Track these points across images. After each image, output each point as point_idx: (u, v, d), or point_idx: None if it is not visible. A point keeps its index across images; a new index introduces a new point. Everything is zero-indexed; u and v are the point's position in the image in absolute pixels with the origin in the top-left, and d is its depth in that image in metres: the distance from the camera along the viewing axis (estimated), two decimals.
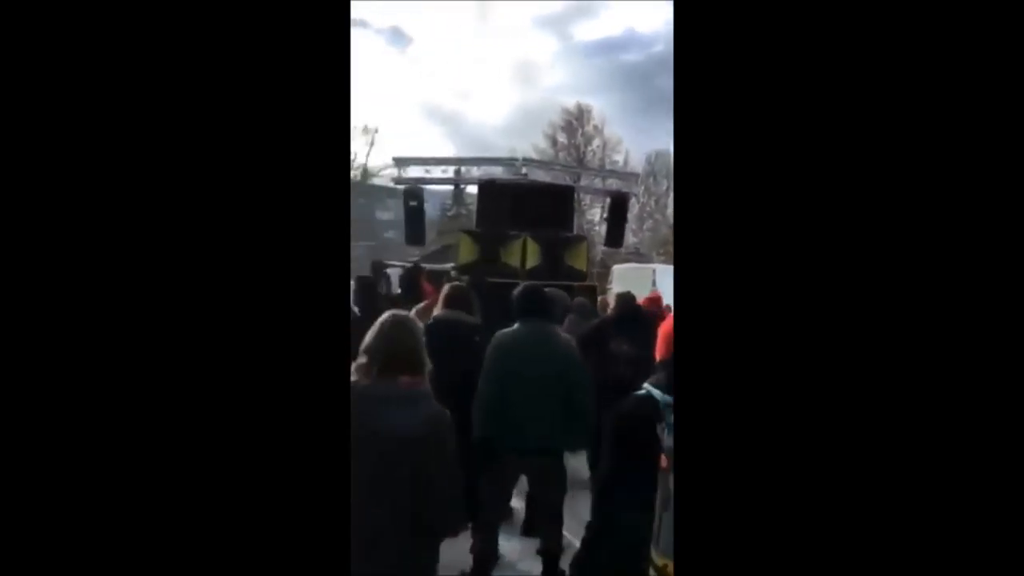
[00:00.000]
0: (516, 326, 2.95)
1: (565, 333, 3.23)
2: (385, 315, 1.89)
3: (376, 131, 25.12)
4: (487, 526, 2.89)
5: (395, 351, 1.78)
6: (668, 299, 5.15)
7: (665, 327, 1.75)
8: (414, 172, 7.03)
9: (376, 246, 18.76)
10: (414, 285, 5.09)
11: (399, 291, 5.13)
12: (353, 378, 1.76)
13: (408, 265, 6.36)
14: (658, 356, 1.72)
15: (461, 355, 2.91)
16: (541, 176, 7.38)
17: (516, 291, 3.09)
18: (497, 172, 7.13)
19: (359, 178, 25.04)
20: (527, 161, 7.84)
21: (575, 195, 7.40)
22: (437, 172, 7.16)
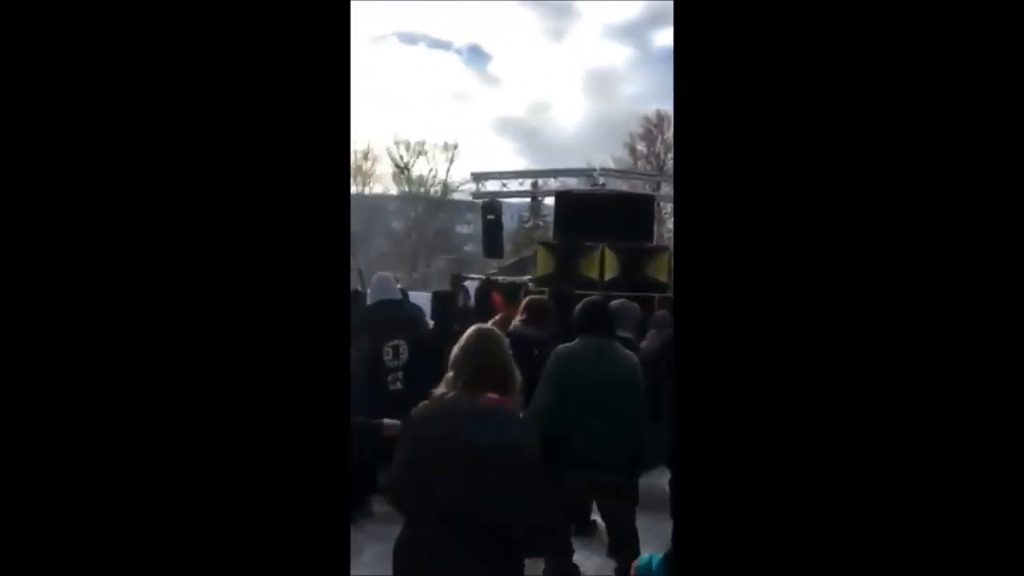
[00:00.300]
0: (575, 341, 2.87)
1: (626, 349, 3.10)
2: (471, 329, 1.85)
3: (456, 147, 25.70)
4: (555, 543, 2.81)
5: (481, 365, 1.74)
6: None
7: None
8: (492, 186, 7.10)
9: (456, 259, 19.14)
10: (485, 298, 5.11)
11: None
12: (440, 391, 1.74)
13: (483, 279, 6.41)
14: None
15: (529, 371, 2.87)
16: (619, 185, 7.25)
17: (578, 305, 3.02)
18: (574, 183, 7.08)
19: (439, 194, 25.66)
20: (604, 171, 7.75)
21: (655, 204, 7.20)
22: (514, 185, 7.20)
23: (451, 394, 1.72)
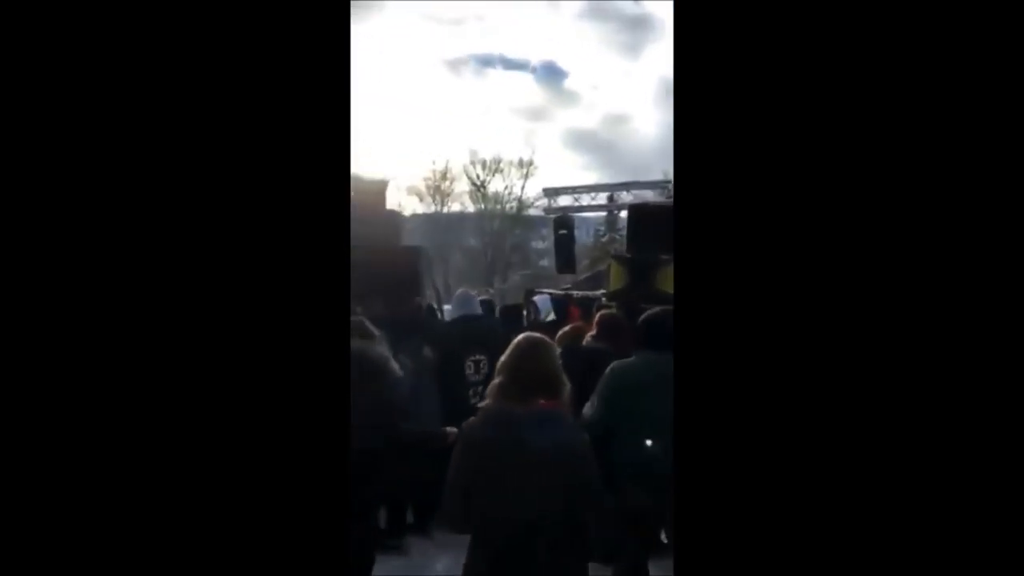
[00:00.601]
0: (632, 357, 2.82)
1: None
2: (520, 337, 1.90)
3: (531, 163, 25.94)
4: (622, 548, 2.77)
5: (529, 372, 1.77)
6: None
7: None
8: (564, 201, 7.14)
9: (532, 274, 19.24)
10: (563, 312, 5.14)
11: (551, 318, 5.22)
12: (489, 399, 1.80)
13: (558, 293, 6.45)
14: None
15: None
16: None
17: (639, 319, 2.98)
18: (648, 195, 7.01)
19: (515, 210, 25.92)
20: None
21: None
22: (587, 199, 7.22)
23: (501, 403, 1.76)
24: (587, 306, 5.47)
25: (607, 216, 7.57)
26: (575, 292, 6.83)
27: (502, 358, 1.85)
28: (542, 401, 1.75)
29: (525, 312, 5.56)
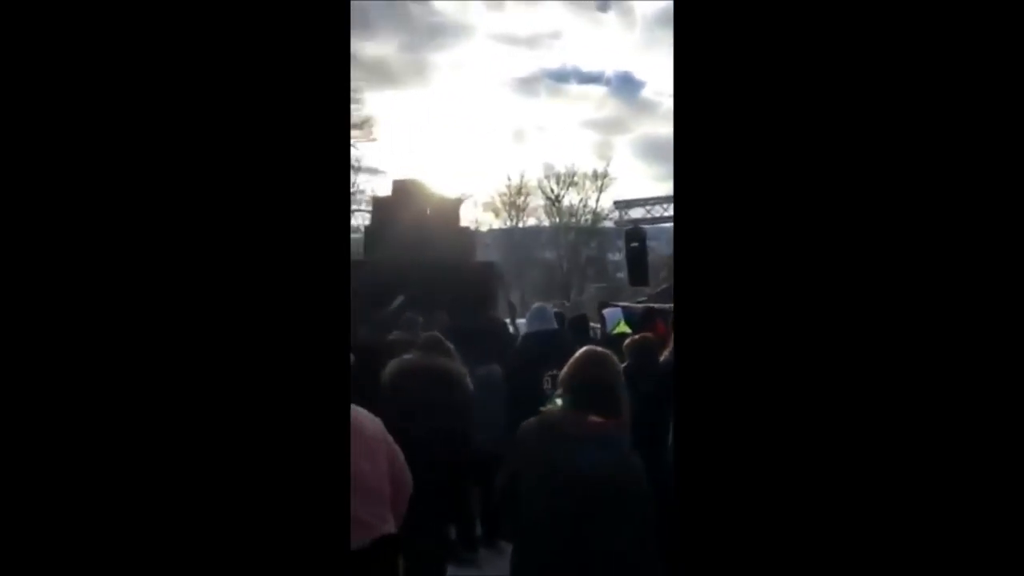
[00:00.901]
0: None
1: None
2: (582, 350, 1.84)
3: (605, 175, 25.81)
4: None
5: (588, 387, 1.71)
6: None
7: None
8: (636, 213, 7.08)
9: (607, 287, 19.06)
10: (646, 326, 5.06)
11: (620, 330, 5.15)
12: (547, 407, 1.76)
13: (635, 306, 6.36)
14: None
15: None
16: None
17: None
18: None
19: (590, 222, 25.82)
20: None
21: None
22: (660, 210, 7.12)
23: (556, 414, 1.72)
24: (664, 318, 5.36)
25: None
26: (655, 304, 6.73)
27: (563, 371, 1.81)
28: (595, 418, 1.69)
29: (597, 325, 5.50)
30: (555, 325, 4.07)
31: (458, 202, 8.14)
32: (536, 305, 4.40)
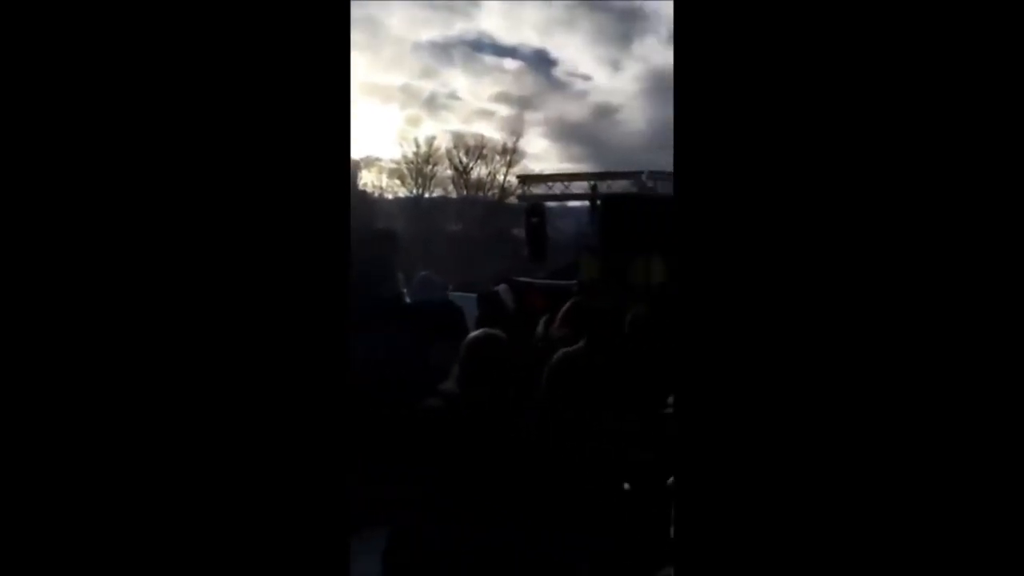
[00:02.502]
0: (578, 344, 2.81)
1: None
2: (472, 334, 1.97)
3: (514, 151, 25.83)
4: None
5: (475, 365, 1.83)
6: None
7: None
8: (539, 189, 7.09)
9: (511, 262, 19.20)
10: (523, 302, 5.12)
11: (512, 306, 5.19)
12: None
13: (524, 282, 6.42)
14: None
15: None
16: (671, 190, 7.11)
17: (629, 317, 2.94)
18: (624, 187, 6.98)
19: (496, 197, 25.86)
20: (654, 174, 7.59)
21: None
22: (562, 188, 7.17)
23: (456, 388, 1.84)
24: (558, 296, 5.44)
25: (591, 207, 7.51)
26: (537, 282, 6.83)
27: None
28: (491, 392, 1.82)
29: (488, 301, 5.51)
30: (444, 296, 4.00)
31: (355, 165, 7.82)
32: (422, 274, 4.30)
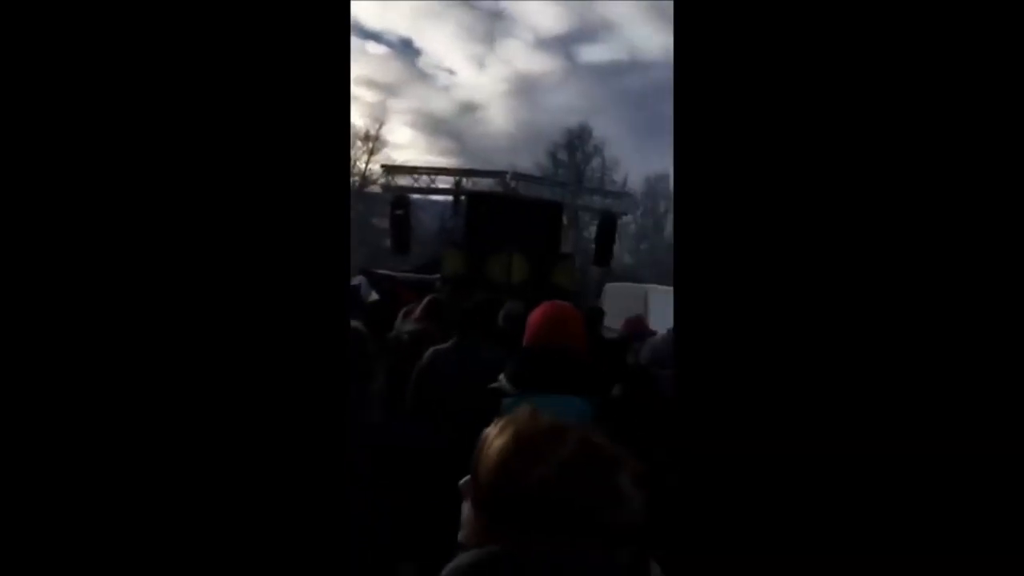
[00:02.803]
0: (449, 342, 2.80)
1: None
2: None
3: (376, 139, 25.18)
4: None
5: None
6: (663, 319, 5.03)
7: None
8: (404, 181, 6.98)
9: (371, 253, 18.72)
10: (390, 295, 5.03)
11: (372, 298, 5.08)
12: None
13: (383, 274, 6.31)
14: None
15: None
16: (532, 191, 7.31)
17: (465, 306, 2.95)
18: (489, 185, 7.07)
19: (357, 185, 25.07)
20: (517, 175, 7.77)
21: (567, 212, 7.32)
22: (426, 181, 7.11)
23: None
24: (419, 290, 5.38)
25: (454, 201, 7.45)
26: (398, 274, 6.72)
27: None
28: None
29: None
30: None
31: None
32: None
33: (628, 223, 24.26)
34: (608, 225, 6.96)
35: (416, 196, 7.15)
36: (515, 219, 6.41)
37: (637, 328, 4.49)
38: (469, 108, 42.19)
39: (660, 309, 8.15)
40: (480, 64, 42.97)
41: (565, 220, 7.04)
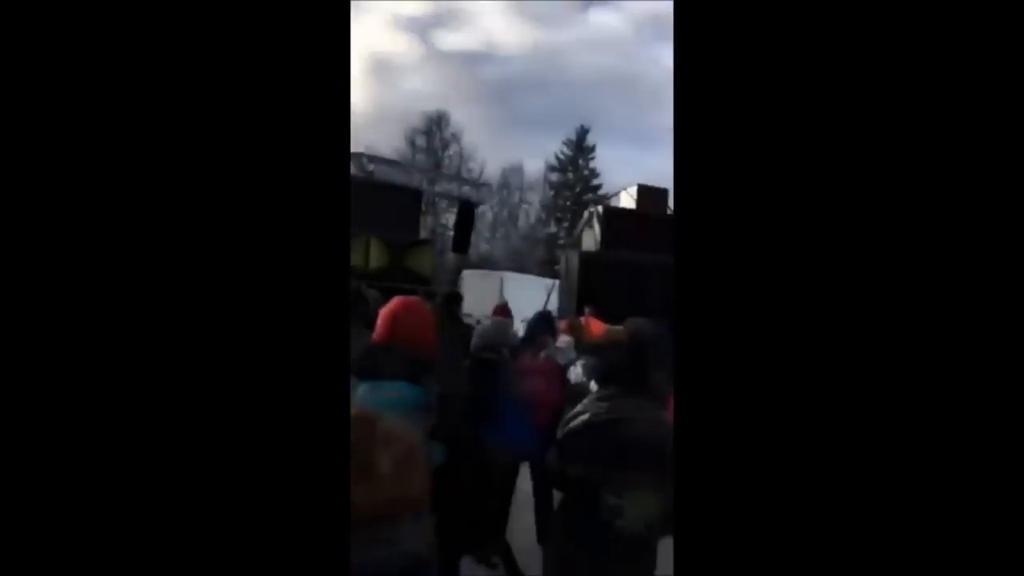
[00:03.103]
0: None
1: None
2: None
3: None
4: None
5: None
6: (517, 304, 5.23)
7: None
8: None
9: None
10: None
11: None
12: None
13: None
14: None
15: None
16: (390, 175, 7.23)
17: None
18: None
19: None
20: (373, 158, 7.63)
21: (426, 198, 7.34)
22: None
23: None
24: None
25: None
26: None
27: None
28: None
29: None
30: None
31: None
32: None
33: (484, 212, 24.67)
34: (467, 213, 7.09)
35: None
36: (373, 203, 6.32)
37: (501, 314, 4.78)
38: None
39: (515, 295, 8.46)
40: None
41: (423, 206, 7.06)
